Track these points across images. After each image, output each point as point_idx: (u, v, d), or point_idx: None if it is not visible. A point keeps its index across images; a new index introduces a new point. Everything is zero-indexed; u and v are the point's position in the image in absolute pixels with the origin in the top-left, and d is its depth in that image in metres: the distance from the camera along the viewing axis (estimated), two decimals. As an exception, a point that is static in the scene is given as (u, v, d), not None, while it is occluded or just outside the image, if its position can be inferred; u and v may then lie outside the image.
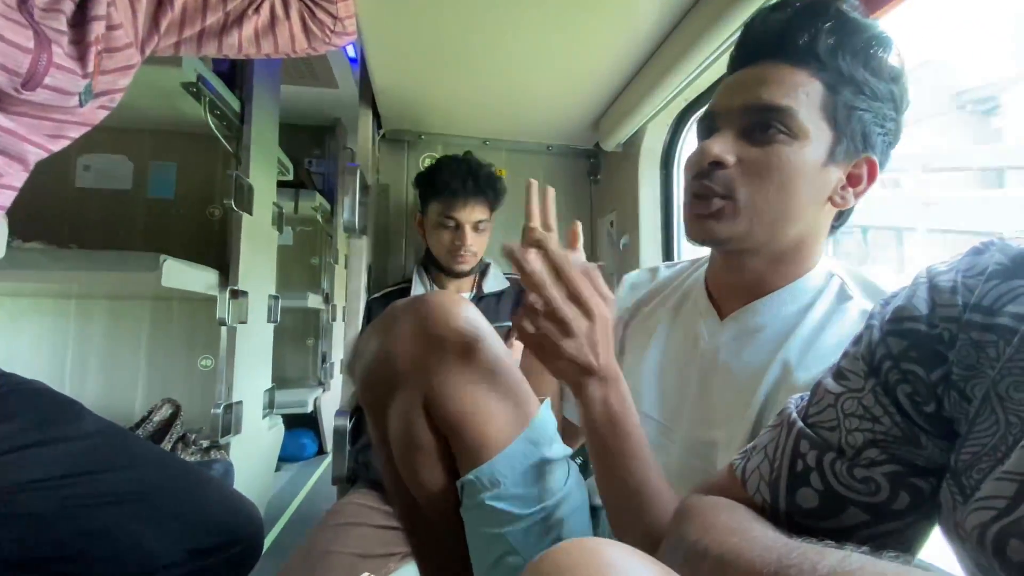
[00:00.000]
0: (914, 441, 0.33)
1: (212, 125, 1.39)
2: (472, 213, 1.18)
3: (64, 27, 0.56)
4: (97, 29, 0.58)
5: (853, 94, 0.50)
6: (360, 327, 1.26)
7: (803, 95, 0.49)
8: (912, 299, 0.35)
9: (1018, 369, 0.28)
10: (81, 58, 0.58)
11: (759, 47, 0.53)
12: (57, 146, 0.62)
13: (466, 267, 1.21)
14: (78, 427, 0.71)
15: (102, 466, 0.69)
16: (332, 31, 0.79)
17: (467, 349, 0.53)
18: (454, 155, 1.25)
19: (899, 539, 0.35)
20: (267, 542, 1.66)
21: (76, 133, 0.64)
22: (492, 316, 1.25)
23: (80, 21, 0.58)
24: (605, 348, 0.49)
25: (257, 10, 0.74)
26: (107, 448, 0.72)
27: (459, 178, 1.17)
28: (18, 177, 0.60)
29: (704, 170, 0.52)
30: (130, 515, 0.68)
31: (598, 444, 0.50)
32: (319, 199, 2.42)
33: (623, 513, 0.49)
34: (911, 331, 0.34)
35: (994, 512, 0.26)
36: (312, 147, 2.68)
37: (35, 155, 0.60)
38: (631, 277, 0.75)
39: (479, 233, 1.20)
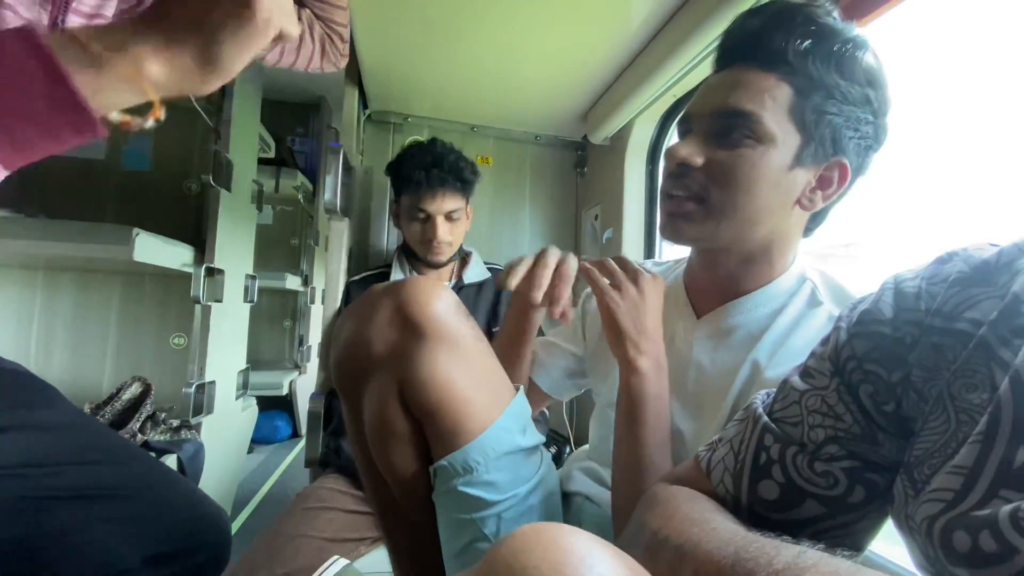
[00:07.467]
0: (872, 438, 0.35)
1: (192, 97, 1.35)
2: (442, 204, 1.13)
3: None
4: None
5: (823, 98, 0.50)
6: (338, 310, 1.24)
7: (769, 100, 0.50)
8: (878, 303, 0.37)
9: (970, 371, 0.30)
10: None
11: (734, 51, 0.54)
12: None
13: (442, 258, 1.19)
14: (48, 416, 0.67)
15: (66, 459, 0.65)
16: (342, 55, 0.91)
17: (444, 336, 0.53)
18: (419, 143, 1.20)
19: (852, 531, 0.36)
20: (237, 524, 1.65)
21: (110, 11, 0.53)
22: (471, 306, 1.24)
23: None
24: (654, 322, 0.58)
25: None
26: (73, 441, 0.68)
27: (424, 169, 1.11)
28: None
29: (675, 171, 0.54)
30: (89, 515, 0.64)
31: (630, 408, 0.56)
32: (301, 178, 2.37)
33: (628, 467, 0.55)
34: (875, 333, 0.35)
35: (942, 504, 0.27)
36: (295, 124, 2.61)
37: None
38: None
39: (453, 223, 1.16)
